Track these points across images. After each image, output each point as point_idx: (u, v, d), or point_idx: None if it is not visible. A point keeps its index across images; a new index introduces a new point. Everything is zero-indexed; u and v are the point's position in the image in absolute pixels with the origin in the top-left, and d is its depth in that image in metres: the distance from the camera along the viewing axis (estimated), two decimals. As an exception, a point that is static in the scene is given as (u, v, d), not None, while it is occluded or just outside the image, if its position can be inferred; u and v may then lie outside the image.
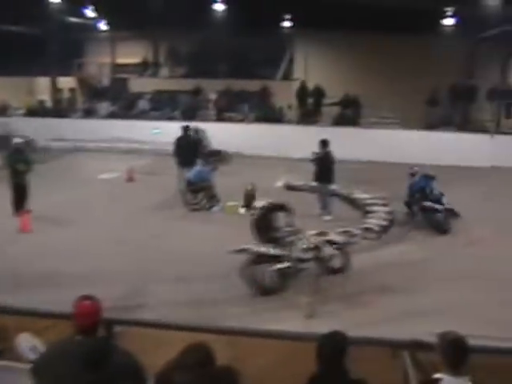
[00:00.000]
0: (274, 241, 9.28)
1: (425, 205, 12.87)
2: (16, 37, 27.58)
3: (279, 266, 9.13)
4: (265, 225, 9.33)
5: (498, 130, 23.88)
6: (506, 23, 22.41)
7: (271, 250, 9.17)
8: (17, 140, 13.38)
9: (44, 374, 3.73)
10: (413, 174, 14.04)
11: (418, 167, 14.26)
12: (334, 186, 14.27)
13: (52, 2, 21.82)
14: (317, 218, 13.24)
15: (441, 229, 12.66)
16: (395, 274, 9.92)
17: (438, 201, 13.01)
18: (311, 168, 14.01)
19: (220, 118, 25.65)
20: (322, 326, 4.05)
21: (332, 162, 13.76)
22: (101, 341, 3.93)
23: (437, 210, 12.79)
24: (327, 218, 13.51)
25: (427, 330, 4.15)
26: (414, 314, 8.04)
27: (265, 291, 9.00)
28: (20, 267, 9.76)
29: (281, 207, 9.53)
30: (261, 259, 9.09)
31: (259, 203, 9.83)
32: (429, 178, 13.62)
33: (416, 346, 4.58)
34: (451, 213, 13.19)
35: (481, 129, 24.36)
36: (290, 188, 16.20)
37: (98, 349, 3.73)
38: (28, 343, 4.65)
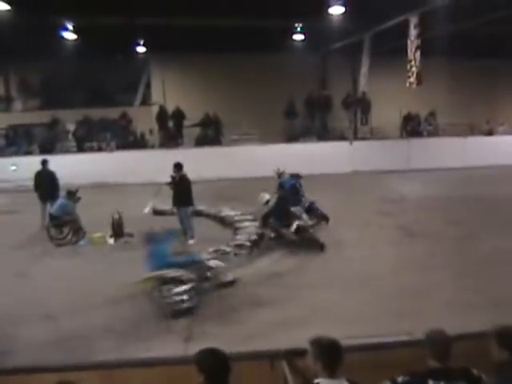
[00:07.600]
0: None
1: (299, 224, 12.55)
2: None
3: (184, 287, 9.11)
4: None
5: (356, 137, 25.06)
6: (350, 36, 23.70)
7: (174, 273, 9.24)
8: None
9: None
10: (280, 175, 14.79)
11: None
12: (192, 208, 13.89)
13: None
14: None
15: (317, 245, 12.38)
16: (265, 287, 10.09)
17: (306, 208, 13.45)
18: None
19: (80, 149, 25.04)
20: (200, 347, 3.91)
21: (188, 184, 13.48)
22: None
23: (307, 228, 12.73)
24: (191, 241, 13.21)
25: (302, 337, 4.14)
26: (287, 324, 8.15)
27: (176, 312, 8.88)
28: None
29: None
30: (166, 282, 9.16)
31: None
32: (296, 176, 14.49)
33: (292, 354, 4.66)
34: (322, 218, 13.62)
35: (340, 137, 25.44)
36: (157, 213, 15.36)
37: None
38: None
